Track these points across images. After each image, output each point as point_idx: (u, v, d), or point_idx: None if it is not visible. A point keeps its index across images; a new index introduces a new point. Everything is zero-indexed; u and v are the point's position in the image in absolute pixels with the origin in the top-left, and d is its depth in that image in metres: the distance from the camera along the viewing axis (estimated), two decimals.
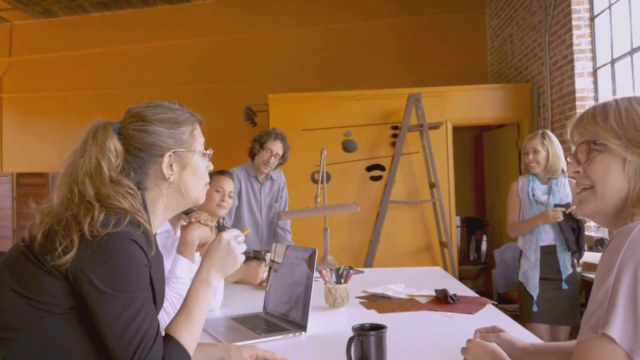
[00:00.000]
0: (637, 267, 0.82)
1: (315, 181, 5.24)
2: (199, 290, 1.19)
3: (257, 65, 6.72)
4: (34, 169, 6.69)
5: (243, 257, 1.23)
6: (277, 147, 3.26)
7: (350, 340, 1.26)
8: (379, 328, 1.30)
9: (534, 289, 2.91)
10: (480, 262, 6.41)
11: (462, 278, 5.58)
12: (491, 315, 1.86)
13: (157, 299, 1.16)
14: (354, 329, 1.30)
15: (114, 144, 1.14)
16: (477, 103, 5.36)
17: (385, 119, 5.29)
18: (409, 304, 2.02)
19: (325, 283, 2.01)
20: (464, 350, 1.23)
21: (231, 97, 6.38)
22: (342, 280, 2.00)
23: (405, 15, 6.66)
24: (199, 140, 1.25)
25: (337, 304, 1.98)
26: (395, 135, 5.15)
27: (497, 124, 5.84)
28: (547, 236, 2.94)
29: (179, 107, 1.24)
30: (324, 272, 2.02)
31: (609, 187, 1.00)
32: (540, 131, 3.02)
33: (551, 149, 2.93)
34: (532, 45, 5.27)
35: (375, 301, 2.11)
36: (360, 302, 2.09)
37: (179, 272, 1.53)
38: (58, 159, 1.20)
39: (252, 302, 2.09)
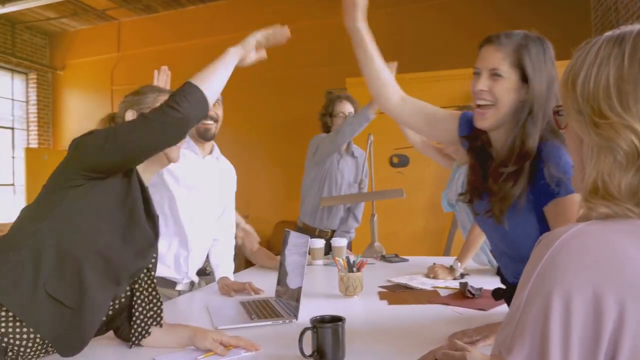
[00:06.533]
0: (549, 296, 0.67)
1: (393, 165, 5.14)
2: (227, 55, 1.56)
3: (335, 49, 6.66)
4: None
5: None
6: (346, 108, 3.19)
7: (303, 332, 1.24)
8: (338, 320, 1.26)
9: None
10: None
11: None
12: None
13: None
14: (312, 320, 1.27)
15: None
16: None
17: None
18: (424, 297, 1.92)
19: (338, 271, 1.98)
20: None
21: (311, 82, 6.41)
22: (355, 269, 1.95)
23: None
24: None
25: (349, 293, 1.93)
26: None
27: None
28: None
29: (148, 87, 1.55)
30: (337, 260, 1.99)
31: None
32: None
33: None
34: (638, 12, 4.67)
35: (394, 291, 2.04)
36: (379, 292, 2.03)
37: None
38: None
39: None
